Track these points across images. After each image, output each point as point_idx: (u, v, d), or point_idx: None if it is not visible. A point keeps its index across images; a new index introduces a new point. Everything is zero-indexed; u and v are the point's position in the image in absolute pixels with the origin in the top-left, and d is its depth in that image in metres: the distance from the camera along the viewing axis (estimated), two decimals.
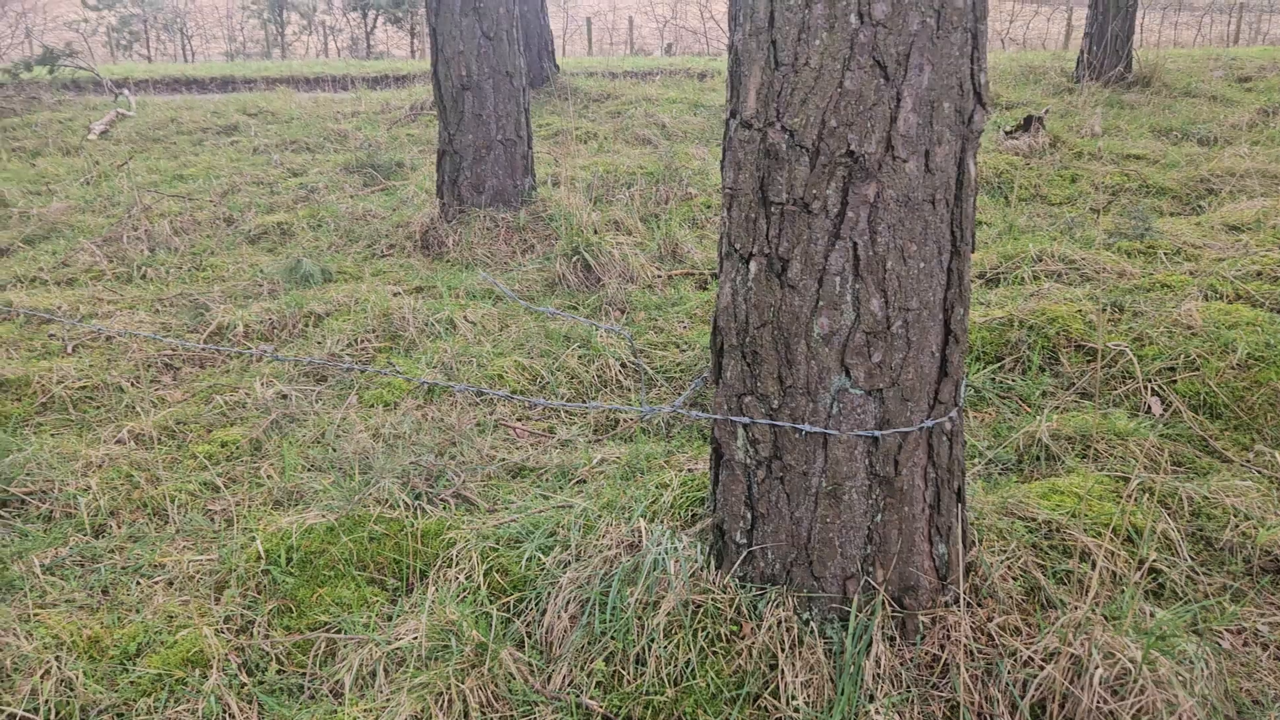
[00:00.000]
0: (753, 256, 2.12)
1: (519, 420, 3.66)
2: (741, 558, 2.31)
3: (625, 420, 3.64)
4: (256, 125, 9.57)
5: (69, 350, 4.26)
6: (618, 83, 11.40)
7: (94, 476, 3.19)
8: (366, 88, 12.27)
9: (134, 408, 3.76)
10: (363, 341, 4.26)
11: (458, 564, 2.63)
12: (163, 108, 10.47)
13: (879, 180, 1.99)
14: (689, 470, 2.92)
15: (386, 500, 2.93)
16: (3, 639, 2.37)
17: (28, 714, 2.17)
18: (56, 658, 2.33)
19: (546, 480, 3.17)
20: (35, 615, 2.49)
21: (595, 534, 2.60)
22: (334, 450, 3.31)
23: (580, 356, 4.04)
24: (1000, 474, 3.14)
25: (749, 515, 2.28)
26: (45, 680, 2.25)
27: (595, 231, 5.13)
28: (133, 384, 3.93)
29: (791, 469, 2.19)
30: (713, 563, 2.39)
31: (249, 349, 4.20)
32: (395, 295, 4.74)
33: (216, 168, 7.80)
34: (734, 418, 2.23)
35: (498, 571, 2.59)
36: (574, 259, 4.94)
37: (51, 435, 3.55)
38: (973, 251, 2.21)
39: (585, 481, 3.13)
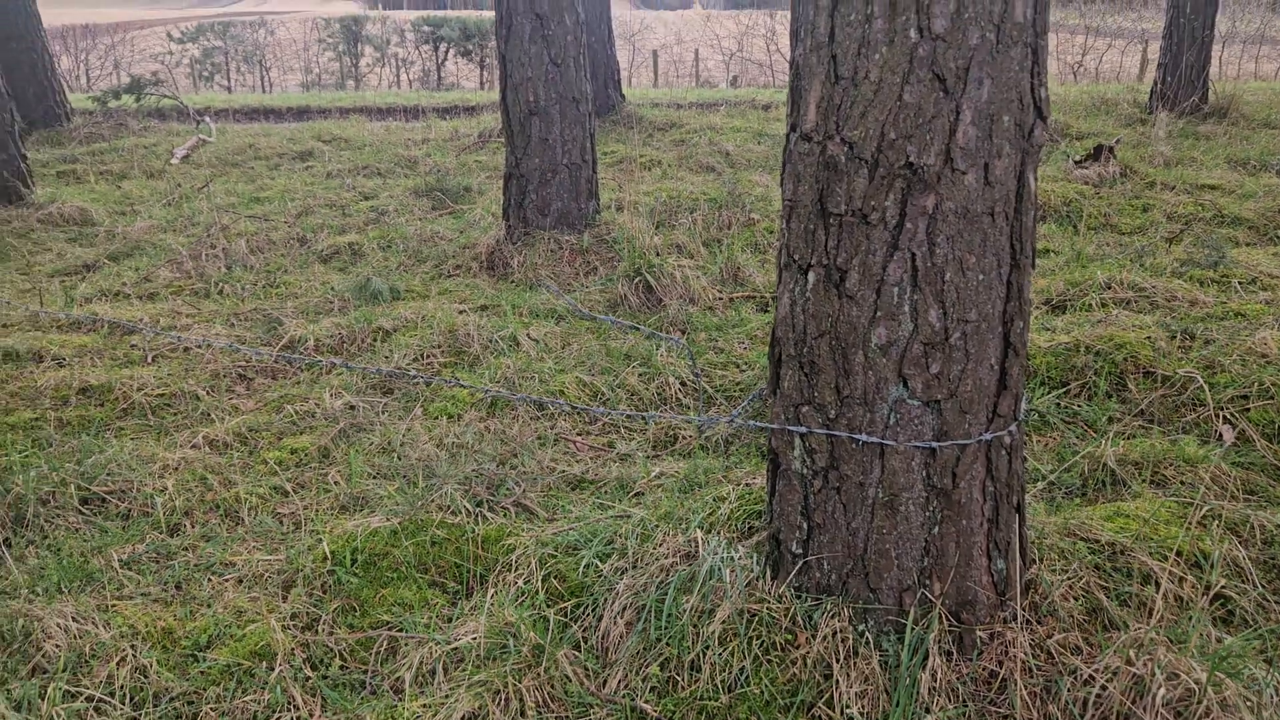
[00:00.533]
0: (811, 267, 2.14)
1: (579, 435, 3.71)
2: (797, 568, 2.32)
3: (684, 436, 3.67)
4: (330, 151, 9.85)
5: (149, 360, 4.42)
6: (683, 112, 11.52)
7: (170, 478, 3.31)
8: (437, 117, 12.56)
9: (209, 415, 3.89)
10: (428, 356, 4.36)
11: (516, 569, 2.68)
12: (242, 135, 10.83)
13: (938, 192, 2.01)
14: (746, 485, 2.93)
15: (448, 506, 3.00)
16: (82, 627, 2.47)
17: (104, 697, 2.26)
18: (132, 646, 2.42)
19: (605, 492, 3.21)
20: (113, 606, 2.60)
21: (652, 543, 2.63)
22: (399, 458, 3.39)
23: (640, 374, 4.08)
24: (1063, 497, 3.10)
25: (805, 525, 2.30)
26: (121, 667, 2.34)
27: (657, 254, 5.19)
28: (208, 392, 4.07)
29: (848, 479, 2.20)
30: (768, 573, 2.41)
31: (319, 360, 4.32)
32: (461, 313, 4.85)
33: (292, 191, 8.05)
34: (791, 427, 2.25)
35: (555, 577, 2.63)
36: (636, 280, 5.01)
37: (131, 439, 3.69)
38: (1034, 268, 2.21)
39: (643, 494, 3.16)
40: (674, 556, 2.55)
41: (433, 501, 3.02)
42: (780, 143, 9.45)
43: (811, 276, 2.15)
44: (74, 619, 2.50)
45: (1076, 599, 2.41)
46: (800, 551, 2.32)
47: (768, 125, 10.61)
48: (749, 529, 2.68)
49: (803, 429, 2.23)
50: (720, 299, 5.05)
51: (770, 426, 2.32)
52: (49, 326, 4.86)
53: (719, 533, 2.64)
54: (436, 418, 3.81)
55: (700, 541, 2.56)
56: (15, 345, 4.37)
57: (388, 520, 2.92)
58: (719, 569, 2.39)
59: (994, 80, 1.98)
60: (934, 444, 2.13)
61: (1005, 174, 2.04)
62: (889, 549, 2.21)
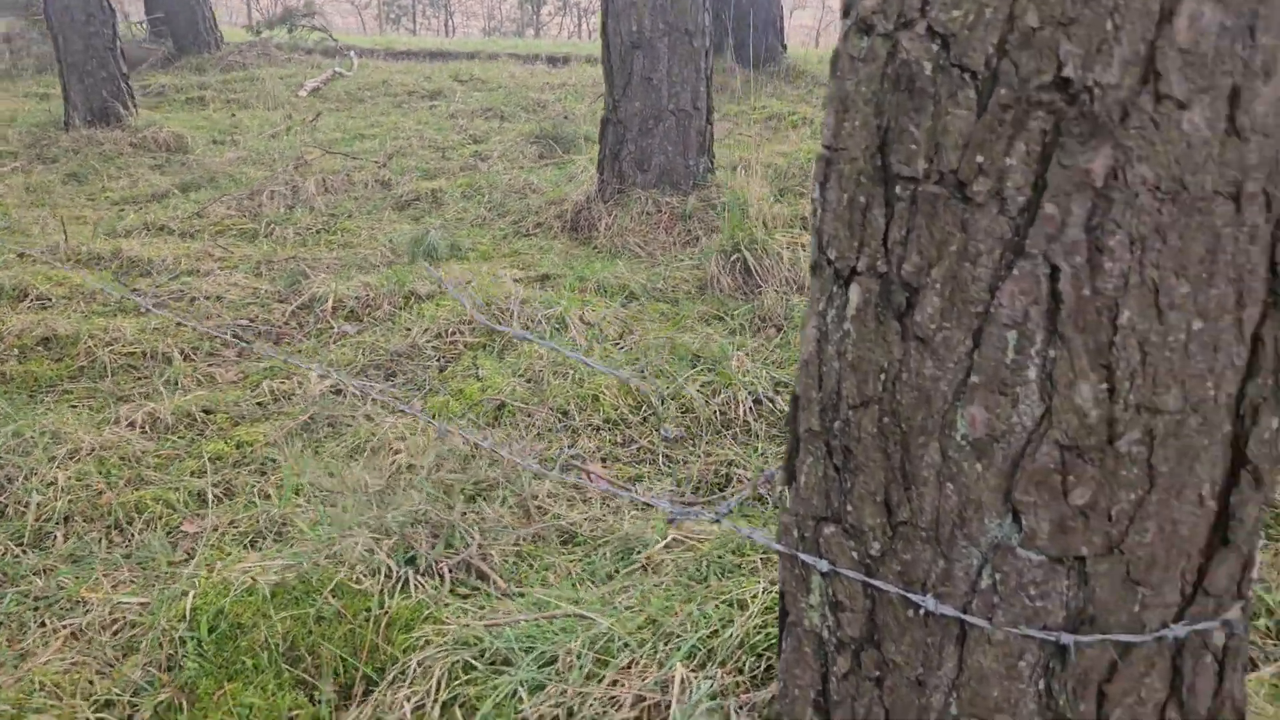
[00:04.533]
0: (855, 274, 1.14)
1: (604, 460, 2.80)
2: None
3: (740, 479, 2.70)
4: (463, 91, 9.20)
5: (146, 309, 3.78)
6: None
7: (70, 468, 2.61)
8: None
9: (175, 383, 3.20)
10: (453, 334, 3.53)
11: (413, 683, 1.80)
12: (380, 71, 10.34)
13: (1119, 143, 0.97)
14: None
15: (365, 561, 2.15)
16: None
17: None
18: None
19: (601, 558, 2.29)
20: None
21: (610, 671, 1.71)
22: (335, 476, 2.56)
23: (705, 383, 3.12)
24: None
25: None
26: None
27: (766, 226, 4.17)
28: (186, 356, 3.38)
29: (896, 670, 1.20)
30: None
31: (332, 327, 3.57)
32: (516, 281, 3.99)
33: (401, 129, 7.41)
34: (805, 556, 1.27)
35: (461, 705, 1.74)
36: (732, 257, 4.01)
37: (70, 407, 3.04)
38: None
39: (646, 571, 2.22)
40: (633, 708, 1.62)
41: (344, 550, 2.17)
42: None
43: (854, 293, 1.15)
44: None
45: None
46: None
47: None
48: (767, 668, 1.71)
49: (824, 565, 1.24)
50: None
51: (774, 546, 1.33)
52: (66, 259, 4.32)
53: (716, 671, 1.68)
54: (434, 415, 2.97)
55: (677, 685, 1.62)
56: (2, 281, 3.81)
57: (282, 572, 2.10)
58: None
59: None
60: (1065, 636, 1.11)
61: (1269, 118, 0.98)
62: None
